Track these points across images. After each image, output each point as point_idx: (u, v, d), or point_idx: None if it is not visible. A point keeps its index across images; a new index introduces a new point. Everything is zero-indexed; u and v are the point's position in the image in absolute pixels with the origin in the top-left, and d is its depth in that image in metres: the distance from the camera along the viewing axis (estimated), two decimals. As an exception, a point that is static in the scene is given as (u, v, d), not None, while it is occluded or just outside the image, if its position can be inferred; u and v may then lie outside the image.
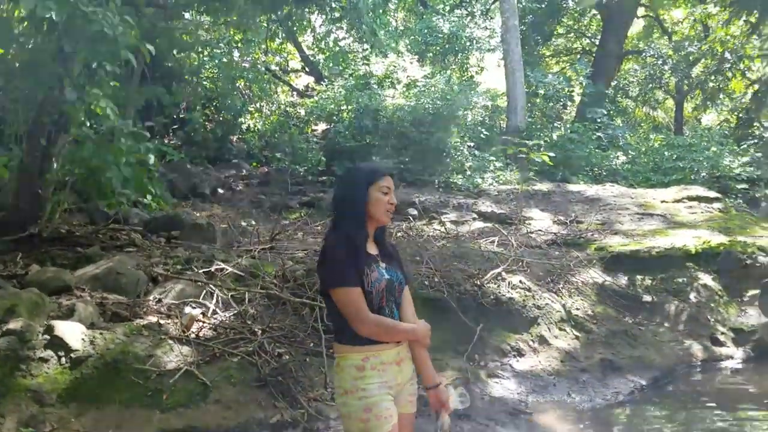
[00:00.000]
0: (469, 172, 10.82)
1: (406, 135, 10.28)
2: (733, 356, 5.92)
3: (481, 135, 12.01)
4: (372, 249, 2.38)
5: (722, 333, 6.07)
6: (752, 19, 16.40)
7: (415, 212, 8.87)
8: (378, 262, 2.35)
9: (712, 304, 6.33)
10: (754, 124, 19.50)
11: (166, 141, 11.08)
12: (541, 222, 8.64)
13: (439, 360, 5.27)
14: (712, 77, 17.23)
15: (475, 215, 9.24)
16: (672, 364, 5.54)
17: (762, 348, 6.00)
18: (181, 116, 11.76)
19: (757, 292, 6.56)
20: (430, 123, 10.41)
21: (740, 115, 20.04)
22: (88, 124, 6.24)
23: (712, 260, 6.81)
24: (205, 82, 12.21)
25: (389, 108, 10.59)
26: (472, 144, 11.58)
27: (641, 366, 5.36)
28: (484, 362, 5.28)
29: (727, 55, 16.12)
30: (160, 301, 4.86)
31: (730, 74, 17.32)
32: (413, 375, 2.43)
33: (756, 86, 17.86)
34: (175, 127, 11.75)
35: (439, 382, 2.42)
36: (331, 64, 15.38)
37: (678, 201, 8.98)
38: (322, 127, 13.46)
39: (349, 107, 10.99)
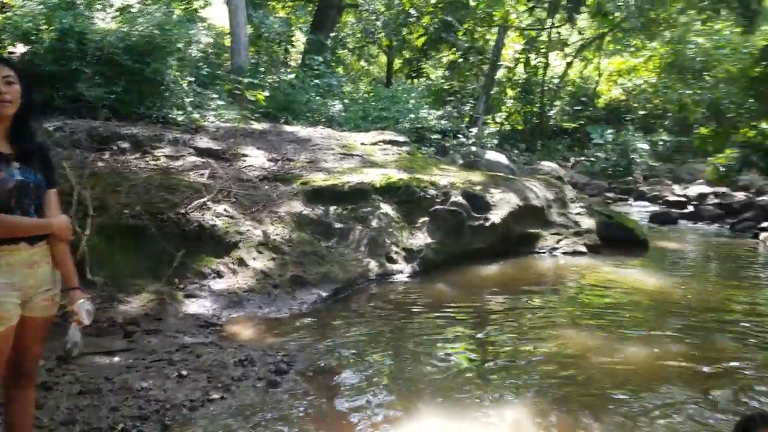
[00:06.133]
0: (189, 108, 10.70)
1: (118, 63, 9.70)
2: (403, 271, 7.13)
3: (204, 71, 11.89)
4: (4, 148, 2.38)
5: (396, 252, 7.25)
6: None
7: (127, 145, 8.57)
8: (9, 161, 2.35)
9: (390, 229, 7.47)
10: (455, 84, 22.48)
11: None
12: (255, 159, 9.05)
13: (138, 285, 5.41)
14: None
15: (191, 150, 9.25)
16: (353, 278, 6.48)
17: (426, 263, 7.34)
18: None
19: (426, 219, 7.91)
20: (145, 53, 9.97)
21: (444, 73, 22.89)
22: None
23: (394, 193, 8.00)
24: None
25: (98, 32, 9.84)
26: (193, 80, 11.42)
27: (326, 281, 6.18)
28: (183, 285, 5.56)
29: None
30: None
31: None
32: (53, 280, 2.49)
33: (458, 53, 20.34)
34: None
35: (75, 285, 2.52)
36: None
37: (375, 144, 10.16)
38: (21, 48, 11.89)
39: (50, 27, 9.91)
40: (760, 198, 14.37)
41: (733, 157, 10.95)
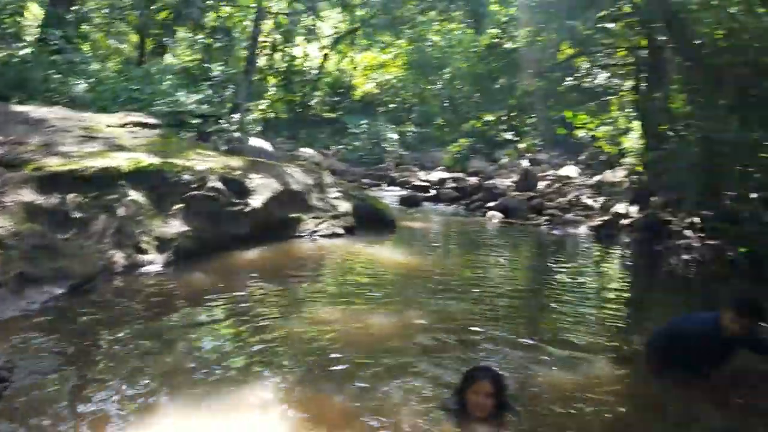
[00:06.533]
0: None
1: None
2: (155, 261, 6.73)
3: None
4: None
5: (146, 242, 6.81)
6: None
7: None
8: None
9: (139, 217, 6.99)
10: (208, 65, 21.70)
11: None
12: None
13: None
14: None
15: None
16: (94, 272, 5.91)
17: (180, 252, 7.01)
18: None
19: (181, 205, 7.56)
20: None
21: (201, 57, 21.97)
22: None
23: (144, 178, 7.49)
24: None
25: None
26: None
27: (61, 276, 5.54)
28: None
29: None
30: None
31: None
32: None
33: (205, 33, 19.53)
34: None
35: None
36: None
37: (123, 126, 9.39)
38: None
39: None
40: (488, 182, 16.53)
41: (464, 146, 12.41)
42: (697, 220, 8.94)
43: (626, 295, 7.52)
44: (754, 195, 7.33)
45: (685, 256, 9.23)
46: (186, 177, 7.82)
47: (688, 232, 9.91)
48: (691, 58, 7.36)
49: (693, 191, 8.13)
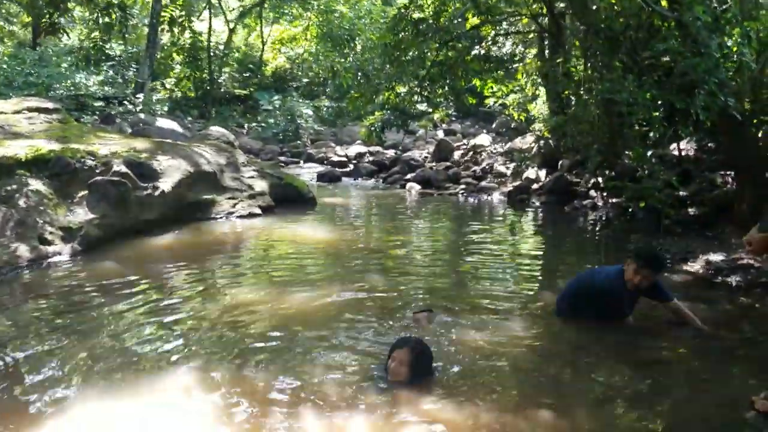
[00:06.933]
0: None
1: None
2: (62, 252, 6.40)
3: None
4: None
5: (51, 233, 6.46)
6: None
7: None
8: None
9: (42, 207, 6.61)
10: (107, 45, 20.58)
11: None
12: None
13: None
14: None
15: None
16: (-5, 268, 5.58)
17: (88, 241, 6.70)
18: None
19: (85, 192, 7.20)
20: None
21: (97, 38, 20.76)
22: None
23: (44, 166, 7.08)
24: None
25: None
26: None
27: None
28: None
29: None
30: None
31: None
32: None
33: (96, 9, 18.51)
34: None
35: None
36: None
37: (18, 112, 8.78)
38: None
39: None
40: (405, 154, 16.70)
41: (379, 119, 12.48)
42: (601, 181, 9.43)
43: (538, 256, 7.87)
44: (650, 152, 7.80)
45: (592, 216, 9.76)
46: (89, 162, 7.45)
47: (593, 193, 10.47)
48: (589, 23, 7.67)
49: (594, 152, 8.55)
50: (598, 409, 3.41)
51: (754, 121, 7.08)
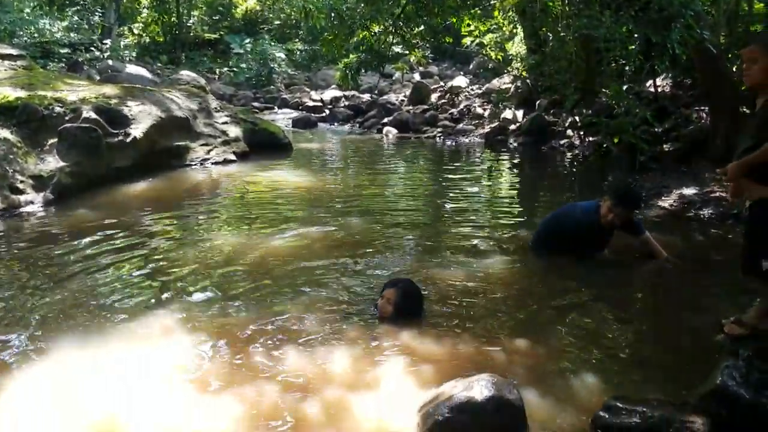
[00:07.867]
0: None
1: None
2: (34, 201, 6.27)
3: None
4: None
5: (22, 182, 6.31)
6: None
7: None
8: None
9: (12, 156, 6.43)
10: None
11: None
12: None
13: None
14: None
15: None
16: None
17: (60, 189, 6.57)
18: None
19: (55, 140, 7.01)
20: None
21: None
22: None
23: (11, 114, 6.86)
24: None
25: None
26: None
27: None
28: None
29: None
30: None
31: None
32: None
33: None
34: None
35: None
36: None
37: (-21, 58, 8.46)
38: None
39: None
40: (382, 98, 16.48)
41: (354, 61, 12.23)
42: (578, 119, 9.44)
43: (516, 195, 7.92)
44: (625, 87, 7.80)
45: (569, 155, 9.81)
46: (58, 109, 7.24)
47: (570, 132, 10.49)
48: (567, -41, 7.54)
49: (572, 90, 8.52)
50: (574, 340, 3.49)
51: (729, 55, 7.07)
